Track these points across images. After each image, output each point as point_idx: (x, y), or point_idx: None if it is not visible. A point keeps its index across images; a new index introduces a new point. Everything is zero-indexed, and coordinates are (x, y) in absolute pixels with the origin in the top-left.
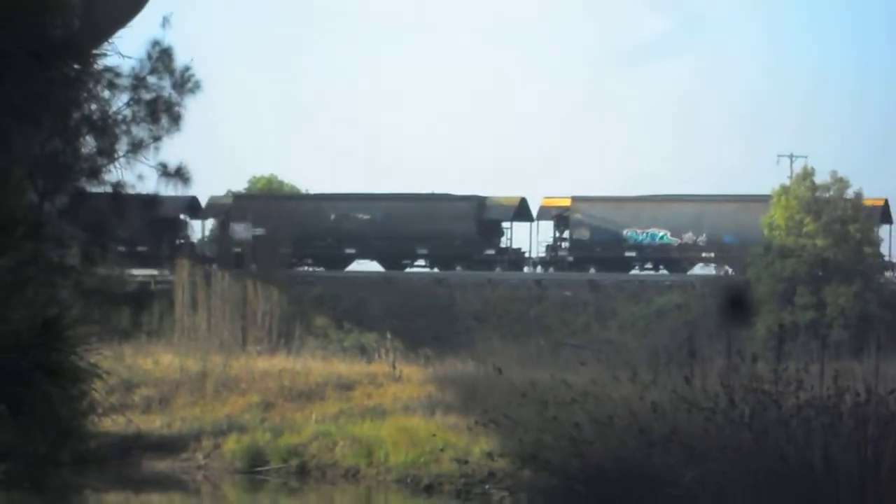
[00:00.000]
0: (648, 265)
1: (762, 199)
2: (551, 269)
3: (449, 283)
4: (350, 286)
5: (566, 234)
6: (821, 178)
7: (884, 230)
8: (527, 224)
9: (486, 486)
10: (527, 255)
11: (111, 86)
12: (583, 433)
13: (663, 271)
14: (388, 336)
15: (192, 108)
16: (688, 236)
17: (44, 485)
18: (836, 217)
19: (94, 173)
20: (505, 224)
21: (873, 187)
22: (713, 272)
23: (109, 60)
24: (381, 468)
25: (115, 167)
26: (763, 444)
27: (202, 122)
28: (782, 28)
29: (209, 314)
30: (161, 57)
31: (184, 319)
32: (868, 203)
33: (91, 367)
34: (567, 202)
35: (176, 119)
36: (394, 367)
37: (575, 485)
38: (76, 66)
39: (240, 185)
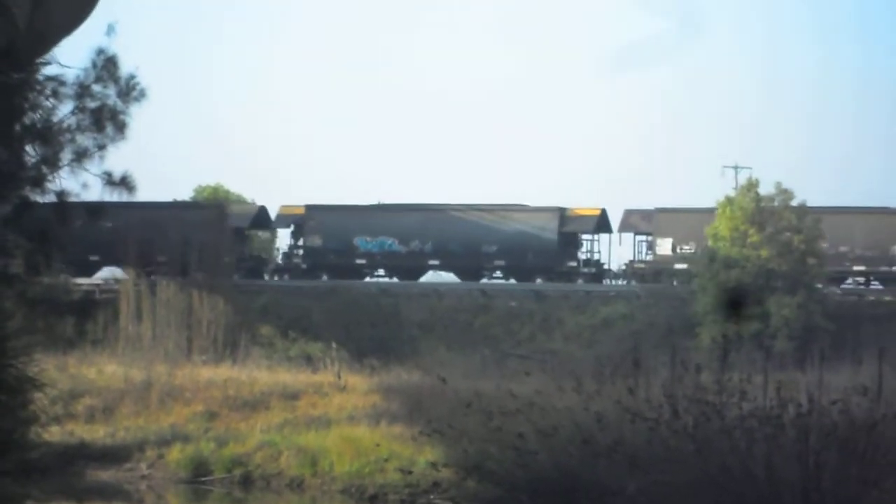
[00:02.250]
0: (380, 272)
1: (490, 209)
2: (286, 277)
3: (394, 293)
4: (295, 296)
5: (301, 241)
6: (765, 189)
7: (603, 239)
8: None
9: (431, 497)
10: (269, 262)
11: (55, 94)
12: (527, 443)
13: (395, 279)
14: (334, 345)
15: (138, 117)
16: (415, 244)
17: None
18: (780, 228)
19: (38, 182)
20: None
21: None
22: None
23: (54, 69)
24: (325, 478)
25: (60, 176)
26: (706, 454)
27: (149, 131)
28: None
29: (154, 323)
30: (106, 65)
31: (128, 329)
32: (582, 213)
33: (33, 377)
34: (302, 210)
35: (121, 127)
36: (339, 377)
37: (519, 495)
38: (17, 75)
39: (186, 195)
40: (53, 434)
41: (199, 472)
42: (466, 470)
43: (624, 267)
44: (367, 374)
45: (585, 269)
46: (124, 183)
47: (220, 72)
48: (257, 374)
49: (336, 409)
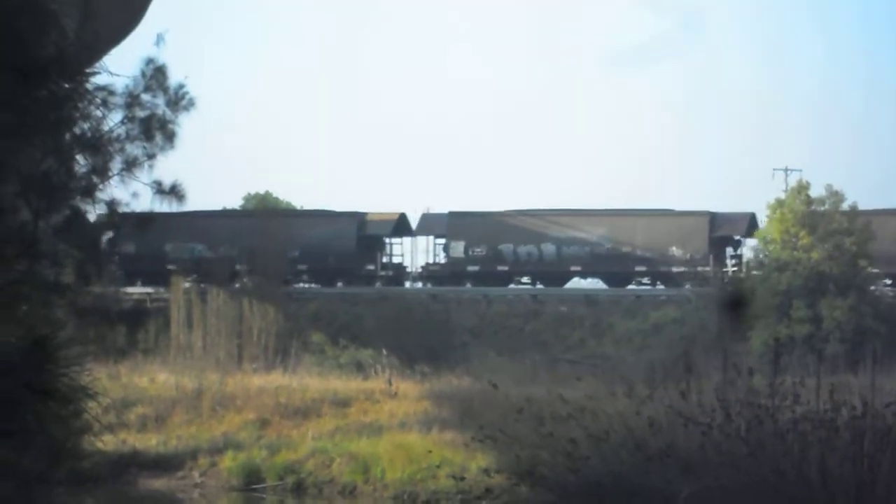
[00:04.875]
0: (192, 277)
1: (295, 215)
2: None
3: (444, 299)
4: (346, 302)
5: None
6: (816, 191)
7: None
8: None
9: (483, 503)
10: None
11: (105, 104)
12: (579, 449)
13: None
14: (384, 352)
15: (188, 126)
16: (223, 250)
17: None
18: (831, 230)
19: (89, 192)
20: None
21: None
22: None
23: (103, 78)
24: (377, 485)
25: (109, 185)
26: (759, 458)
27: (199, 139)
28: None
29: (205, 332)
30: (155, 75)
31: (179, 337)
32: (380, 217)
33: (84, 386)
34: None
35: (170, 137)
36: (390, 384)
37: (571, 501)
38: (67, 85)
39: (235, 202)
40: (106, 443)
41: (251, 480)
42: (519, 475)
43: (420, 269)
44: (418, 380)
45: (383, 272)
46: (174, 192)
47: (271, 76)
48: (308, 381)
49: (387, 416)
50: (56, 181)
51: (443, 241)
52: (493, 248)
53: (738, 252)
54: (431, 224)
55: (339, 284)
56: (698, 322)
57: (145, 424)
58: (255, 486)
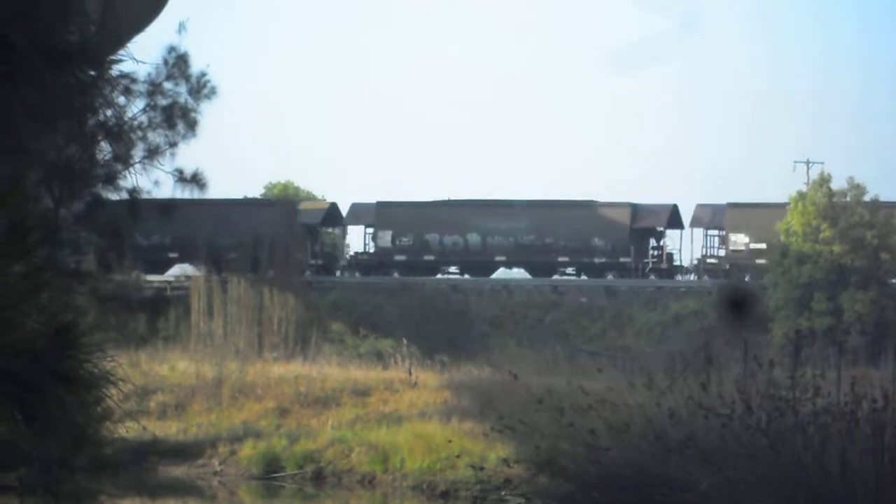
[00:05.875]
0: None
1: (233, 204)
2: None
3: (464, 289)
4: (366, 292)
5: None
6: (837, 184)
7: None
8: None
9: (503, 493)
10: None
11: (127, 92)
12: (599, 440)
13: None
14: (404, 342)
15: (210, 114)
16: (154, 238)
17: (59, 491)
18: (853, 223)
19: (111, 179)
20: None
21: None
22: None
23: (125, 66)
24: (397, 474)
25: (131, 173)
26: (780, 450)
27: (221, 128)
28: (786, 33)
29: (225, 320)
30: (177, 63)
31: (200, 325)
32: (311, 206)
33: (106, 373)
34: None
35: (192, 125)
36: (410, 373)
37: (591, 491)
38: (91, 73)
39: (256, 191)
40: (127, 430)
41: (270, 469)
42: (538, 466)
43: (348, 258)
44: (438, 370)
45: (313, 261)
46: (195, 180)
47: (293, 67)
48: (328, 370)
49: (407, 406)
50: (78, 168)
51: (371, 230)
52: (420, 238)
53: (661, 243)
54: (360, 213)
55: (270, 273)
56: (718, 313)
57: (165, 412)
58: (274, 475)
